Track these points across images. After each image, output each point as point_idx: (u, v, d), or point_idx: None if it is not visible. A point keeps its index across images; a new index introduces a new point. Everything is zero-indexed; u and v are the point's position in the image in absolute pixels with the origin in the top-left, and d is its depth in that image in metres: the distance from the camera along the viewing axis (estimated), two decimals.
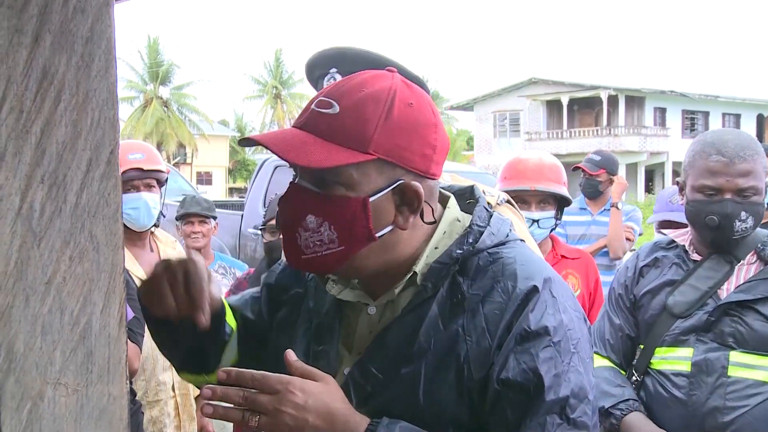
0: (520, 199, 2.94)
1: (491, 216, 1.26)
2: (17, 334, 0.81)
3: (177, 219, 4.42)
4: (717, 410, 1.95)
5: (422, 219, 1.19)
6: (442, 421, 1.14)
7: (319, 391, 1.12)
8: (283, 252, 1.23)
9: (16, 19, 0.80)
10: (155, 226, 3.20)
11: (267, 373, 1.12)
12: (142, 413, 2.89)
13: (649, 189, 37.08)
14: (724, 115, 40.34)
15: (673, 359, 2.05)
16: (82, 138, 0.86)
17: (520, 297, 1.15)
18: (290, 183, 1.19)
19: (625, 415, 2.05)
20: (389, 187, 1.15)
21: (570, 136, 38.18)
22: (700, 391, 1.97)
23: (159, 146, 40.28)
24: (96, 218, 0.87)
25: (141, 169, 3.03)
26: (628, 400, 2.07)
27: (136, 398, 2.83)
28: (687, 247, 2.16)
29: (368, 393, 1.17)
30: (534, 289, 1.16)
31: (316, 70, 2.00)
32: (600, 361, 2.17)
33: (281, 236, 1.23)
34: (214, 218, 4.44)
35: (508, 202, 1.95)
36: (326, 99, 1.16)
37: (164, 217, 3.32)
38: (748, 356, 1.97)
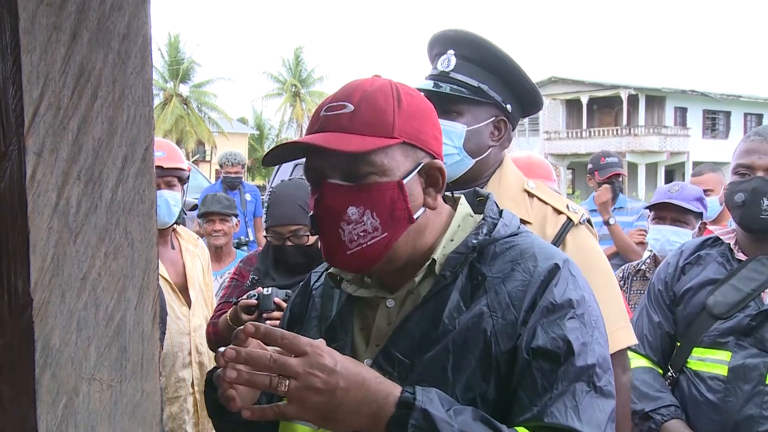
0: None
1: (502, 211, 1.32)
2: (53, 330, 0.81)
3: (198, 217, 4.45)
4: (752, 419, 1.91)
5: (444, 200, 1.27)
6: (470, 397, 1.16)
7: (346, 357, 1.10)
8: (324, 255, 1.24)
9: (55, 16, 0.80)
10: (177, 223, 3.22)
11: (296, 334, 1.09)
12: (162, 409, 2.91)
13: None
14: (745, 115, 39.95)
15: (710, 362, 2.02)
16: (117, 135, 0.86)
17: (543, 274, 1.19)
18: (318, 184, 1.21)
19: (666, 421, 2.03)
20: (415, 168, 1.21)
21: (590, 136, 37.98)
22: (735, 398, 1.93)
23: (178, 144, 40.47)
24: (131, 215, 0.87)
25: (162, 167, 3.04)
26: (669, 406, 2.04)
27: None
28: (732, 246, 2.12)
29: (395, 378, 1.17)
30: (555, 267, 1.21)
31: (435, 48, 1.99)
32: (638, 361, 2.15)
33: (320, 239, 1.24)
34: (236, 216, 4.46)
35: (588, 221, 1.94)
36: (336, 103, 1.21)
37: (186, 215, 3.34)
38: None
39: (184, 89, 47.56)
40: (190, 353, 3.12)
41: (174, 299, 3.10)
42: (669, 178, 37.82)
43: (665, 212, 3.33)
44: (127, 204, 0.87)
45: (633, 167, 35.81)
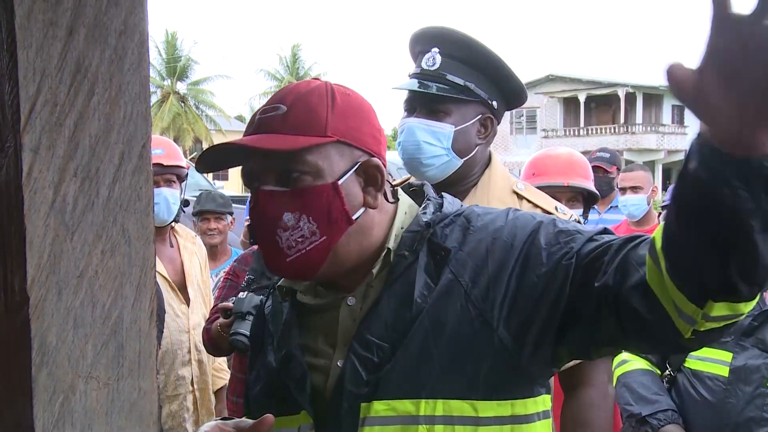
0: (549, 195, 2.94)
1: (442, 194, 1.32)
2: (50, 328, 0.81)
3: (193, 215, 4.44)
4: (753, 421, 1.91)
5: (386, 198, 1.24)
6: (459, 366, 1.15)
7: None
8: (265, 263, 1.22)
9: (52, 12, 0.80)
10: (175, 221, 3.22)
11: None
12: (161, 407, 2.91)
13: (666, 187, 36.84)
14: None
15: (710, 362, 2.02)
16: (114, 131, 0.86)
17: (496, 224, 1.21)
18: (254, 192, 1.20)
19: (663, 425, 2.02)
20: (352, 168, 1.19)
21: (587, 134, 38.00)
22: (736, 400, 1.93)
23: (176, 141, 40.38)
24: (128, 212, 0.87)
25: (161, 165, 3.04)
26: (667, 410, 2.04)
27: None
28: None
29: (377, 363, 1.17)
30: (504, 212, 1.24)
31: (418, 45, 1.97)
32: (637, 363, 2.14)
33: (260, 248, 1.22)
34: (231, 214, 4.45)
35: (577, 222, 1.94)
36: (270, 106, 1.20)
37: (184, 212, 3.34)
38: None
39: (181, 87, 47.53)
40: (189, 351, 3.12)
41: (173, 297, 3.10)
42: (666, 176, 37.87)
43: None
44: (124, 201, 0.87)
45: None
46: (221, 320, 2.57)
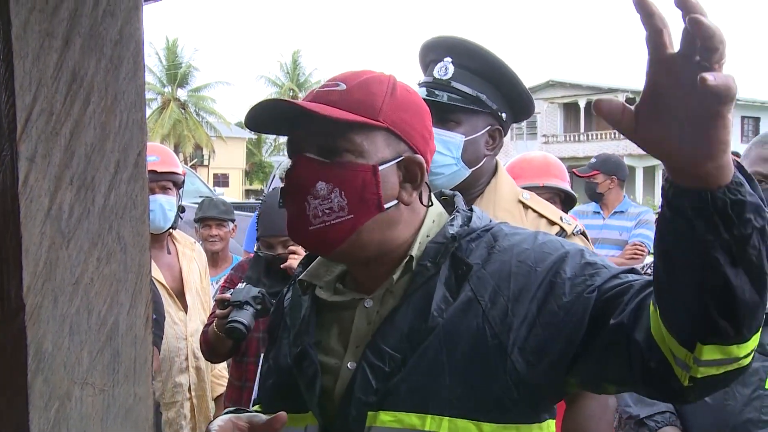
0: None
1: (472, 207, 1.32)
2: (46, 334, 0.82)
3: (195, 222, 4.45)
4: (751, 423, 1.90)
5: (420, 200, 1.24)
6: (469, 383, 1.14)
7: None
8: (287, 228, 1.22)
9: (47, 22, 0.81)
10: (173, 228, 3.22)
11: None
12: (161, 413, 2.91)
13: None
14: (743, 118, 40.00)
15: None
16: (110, 140, 0.86)
17: (522, 246, 1.20)
18: (295, 157, 1.20)
19: (660, 428, 2.02)
20: (395, 159, 1.19)
21: (587, 139, 38.04)
22: (734, 402, 1.92)
23: (176, 148, 40.54)
24: (123, 220, 0.88)
25: (155, 172, 3.04)
26: (665, 412, 2.04)
27: (154, 399, 2.85)
28: None
29: (388, 373, 1.17)
30: (532, 235, 1.22)
31: (430, 54, 1.98)
32: None
33: (286, 211, 1.22)
34: (233, 221, 4.46)
35: (582, 234, 1.94)
36: (331, 82, 1.21)
37: (182, 219, 3.34)
38: None
39: (182, 93, 47.62)
40: (186, 358, 3.12)
41: (170, 304, 3.10)
42: None
43: None
44: (120, 209, 0.88)
45: (631, 171, 35.77)
46: (218, 311, 2.57)
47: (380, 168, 1.17)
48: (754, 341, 0.97)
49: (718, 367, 0.98)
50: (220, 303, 2.57)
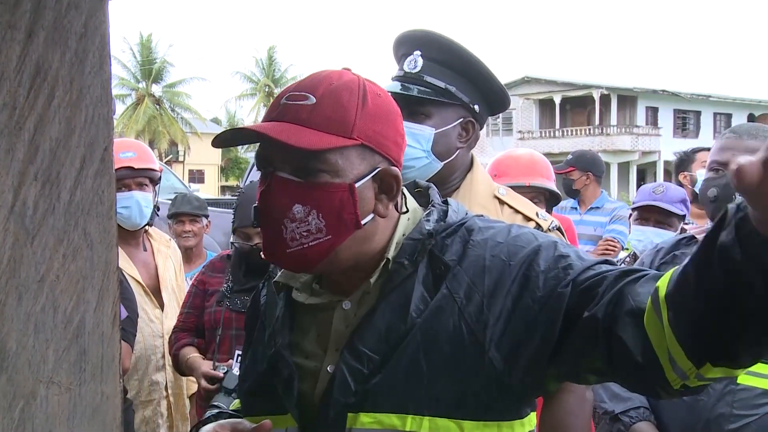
0: None
1: (446, 200, 1.30)
2: (10, 333, 0.80)
3: (168, 218, 4.41)
4: (723, 417, 1.92)
5: (396, 208, 1.22)
6: (449, 383, 1.13)
7: None
8: (263, 249, 1.20)
9: (9, 14, 0.79)
10: (149, 225, 3.19)
11: None
12: (133, 411, 2.88)
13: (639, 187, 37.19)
14: (715, 114, 40.51)
15: None
16: (75, 135, 0.85)
17: (496, 240, 1.19)
18: (267, 175, 1.17)
19: (634, 423, 2.04)
20: (370, 173, 1.17)
21: (562, 135, 38.27)
22: (707, 397, 1.94)
23: (151, 144, 40.12)
24: (90, 216, 0.86)
25: (132, 168, 3.01)
26: (639, 407, 2.05)
27: (128, 397, 2.83)
28: None
29: (366, 375, 1.16)
30: (506, 228, 1.22)
31: (401, 48, 1.96)
32: None
33: (261, 232, 1.20)
34: (206, 217, 4.42)
35: (558, 229, 1.94)
36: (298, 93, 1.17)
37: (158, 215, 3.31)
38: (758, 365, 1.95)
39: (156, 89, 47.19)
40: (163, 356, 3.09)
41: (146, 302, 3.07)
42: (641, 177, 38.25)
43: (649, 214, 3.34)
44: (86, 205, 0.86)
45: (606, 167, 36.11)
46: (205, 384, 2.62)
47: (356, 185, 1.15)
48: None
49: (713, 380, 0.99)
50: (210, 379, 2.61)
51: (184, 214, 4.29)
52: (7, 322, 0.80)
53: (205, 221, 4.40)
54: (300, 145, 1.11)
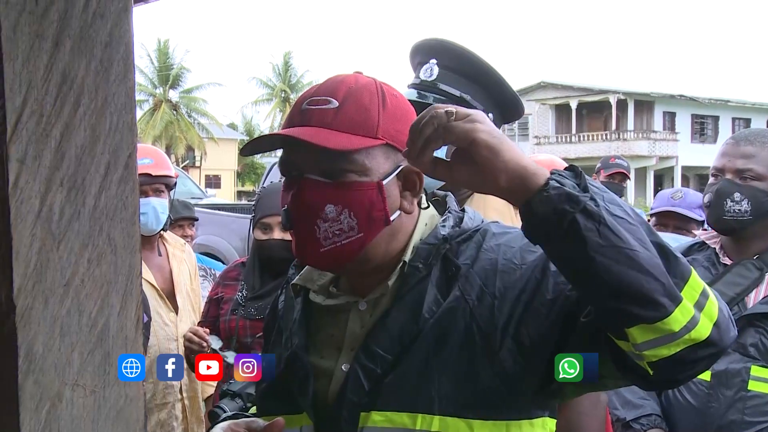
0: None
1: (463, 208, 1.32)
2: (36, 336, 0.82)
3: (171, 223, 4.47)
4: (734, 424, 1.91)
5: (419, 205, 1.25)
6: (459, 384, 1.15)
7: None
8: (295, 250, 1.23)
9: (37, 24, 0.81)
10: (164, 229, 3.22)
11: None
12: (146, 415, 2.90)
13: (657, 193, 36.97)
14: (734, 119, 40.18)
15: None
16: (100, 142, 0.87)
17: (510, 245, 1.21)
18: (295, 179, 1.19)
19: (646, 430, 2.03)
20: (395, 171, 1.20)
21: (579, 141, 38.12)
22: (718, 404, 1.93)
23: (168, 149, 40.42)
24: (114, 221, 0.88)
25: (149, 175, 3.04)
26: (651, 415, 2.04)
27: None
28: (717, 251, 2.14)
29: (379, 375, 1.18)
30: (519, 235, 1.20)
31: (417, 56, 1.99)
32: None
33: (293, 234, 1.23)
34: (196, 219, 4.45)
35: None
36: (319, 97, 1.20)
37: (172, 220, 3.34)
38: None
39: (173, 95, 47.48)
40: None
41: (161, 305, 3.10)
42: (658, 182, 38.00)
43: (668, 220, 3.32)
44: (110, 210, 0.88)
45: None
46: (186, 340, 2.69)
47: (384, 183, 1.18)
48: (681, 314, 0.99)
49: (663, 348, 1.00)
50: (194, 343, 2.65)
51: (185, 218, 4.33)
52: (34, 326, 0.81)
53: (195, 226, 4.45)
54: (334, 146, 1.14)
